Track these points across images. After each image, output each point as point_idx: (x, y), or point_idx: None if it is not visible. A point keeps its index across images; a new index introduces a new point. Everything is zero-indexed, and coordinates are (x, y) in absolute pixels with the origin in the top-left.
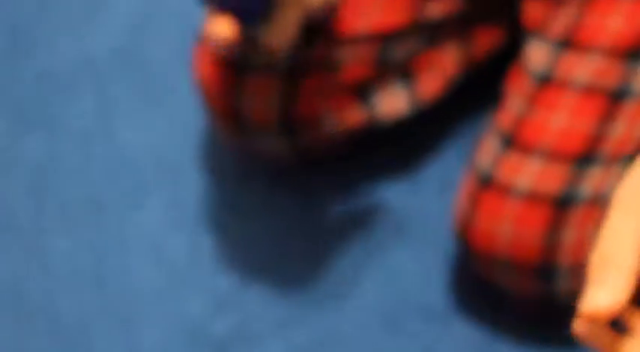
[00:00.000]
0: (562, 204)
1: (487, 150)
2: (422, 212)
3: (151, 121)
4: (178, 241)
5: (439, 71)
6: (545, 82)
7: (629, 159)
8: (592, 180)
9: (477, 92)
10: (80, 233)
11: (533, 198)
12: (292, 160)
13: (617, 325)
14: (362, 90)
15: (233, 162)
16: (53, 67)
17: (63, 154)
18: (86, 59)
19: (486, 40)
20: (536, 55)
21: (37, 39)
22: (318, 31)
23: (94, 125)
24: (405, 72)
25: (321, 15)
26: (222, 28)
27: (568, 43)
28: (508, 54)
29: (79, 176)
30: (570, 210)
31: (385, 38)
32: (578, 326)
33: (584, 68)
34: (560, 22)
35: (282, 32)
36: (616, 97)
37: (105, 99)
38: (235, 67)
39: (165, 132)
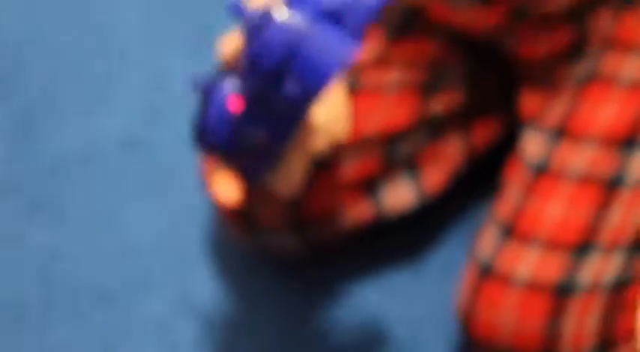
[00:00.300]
0: (562, 293)
1: (487, 239)
2: (424, 299)
3: (159, 209)
4: (185, 330)
5: (444, 163)
6: (541, 171)
7: (627, 246)
8: (591, 269)
9: (479, 179)
10: (87, 321)
11: (533, 287)
12: (301, 255)
13: None
14: (369, 185)
15: (240, 252)
16: (61, 154)
17: (70, 242)
18: (94, 146)
19: (487, 130)
20: (532, 145)
21: (46, 126)
22: (324, 166)
23: (101, 212)
24: (410, 165)
25: (327, 154)
26: (227, 186)
27: (562, 133)
28: (508, 144)
29: (86, 264)
30: (570, 298)
31: (392, 137)
32: None
33: (579, 157)
34: (555, 112)
35: (289, 180)
36: (612, 186)
37: (113, 187)
38: None
39: (173, 220)
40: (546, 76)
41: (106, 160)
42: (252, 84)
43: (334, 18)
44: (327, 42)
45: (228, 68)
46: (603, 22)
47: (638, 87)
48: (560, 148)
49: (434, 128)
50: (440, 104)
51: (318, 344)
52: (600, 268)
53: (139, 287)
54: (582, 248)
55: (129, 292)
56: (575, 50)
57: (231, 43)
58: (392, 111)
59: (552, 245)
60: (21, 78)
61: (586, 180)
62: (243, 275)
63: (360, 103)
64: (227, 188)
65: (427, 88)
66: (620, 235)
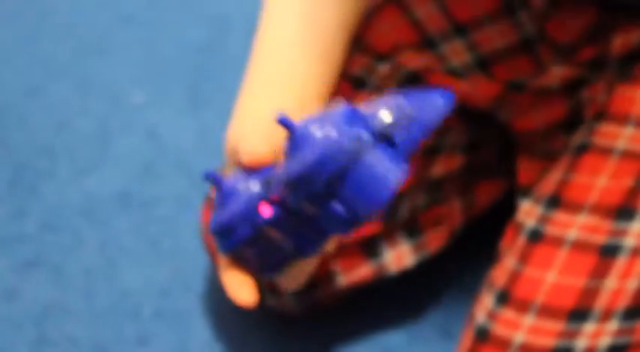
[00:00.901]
0: None
1: (483, 305)
2: None
3: (155, 266)
4: None
5: (444, 225)
6: (537, 238)
7: (623, 312)
8: (586, 335)
9: (477, 240)
10: None
11: None
12: (300, 314)
13: None
14: (369, 246)
15: (238, 310)
16: (58, 208)
17: (67, 297)
18: (91, 201)
19: (488, 193)
20: (528, 211)
21: (42, 180)
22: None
23: (97, 268)
24: (411, 226)
25: (333, 254)
26: (237, 280)
27: (558, 201)
28: (507, 207)
29: (82, 318)
30: None
31: (392, 198)
32: None
33: (574, 225)
34: (551, 180)
35: (297, 278)
36: (607, 253)
37: (109, 244)
38: None
39: (170, 276)
40: (542, 145)
41: (100, 217)
42: (293, 200)
43: (386, 138)
44: (378, 165)
45: (244, 168)
46: (598, 95)
47: (631, 157)
48: (555, 215)
49: (434, 190)
50: (440, 167)
51: None
52: (596, 334)
53: (134, 343)
54: (578, 314)
55: (125, 348)
56: (571, 121)
57: (251, 145)
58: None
59: (548, 311)
60: (18, 132)
61: (581, 247)
62: (241, 335)
63: None
64: (242, 289)
65: (428, 152)
66: (615, 301)
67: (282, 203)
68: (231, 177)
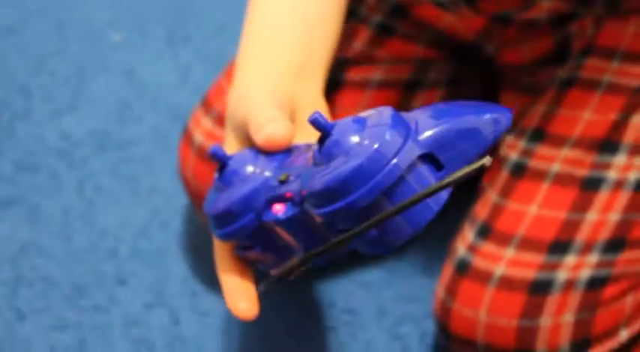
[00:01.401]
0: (538, 291)
1: (464, 239)
2: (403, 294)
3: (132, 206)
4: (158, 326)
5: None
6: (520, 172)
7: (604, 245)
8: (567, 267)
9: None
10: (59, 317)
11: (509, 284)
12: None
13: None
14: None
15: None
16: (34, 150)
17: (43, 237)
18: (69, 142)
19: None
20: (511, 145)
21: (19, 122)
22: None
23: (74, 208)
24: None
25: None
26: (237, 289)
27: (542, 134)
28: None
29: (58, 259)
30: (546, 296)
31: None
32: None
33: (557, 158)
34: (535, 113)
35: (293, 271)
36: (589, 186)
37: (86, 184)
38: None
39: (147, 216)
40: (527, 79)
41: (79, 155)
42: (320, 212)
43: (431, 157)
44: (422, 189)
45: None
46: (586, 29)
47: (617, 91)
48: (539, 149)
49: None
50: (421, 101)
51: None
52: (577, 266)
53: (112, 282)
54: (558, 246)
55: (102, 287)
56: (557, 56)
57: (267, 124)
58: (371, 106)
59: (529, 243)
60: None
61: (563, 180)
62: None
63: (343, 98)
64: (242, 300)
65: (409, 86)
66: (596, 234)
67: (300, 203)
68: (237, 156)
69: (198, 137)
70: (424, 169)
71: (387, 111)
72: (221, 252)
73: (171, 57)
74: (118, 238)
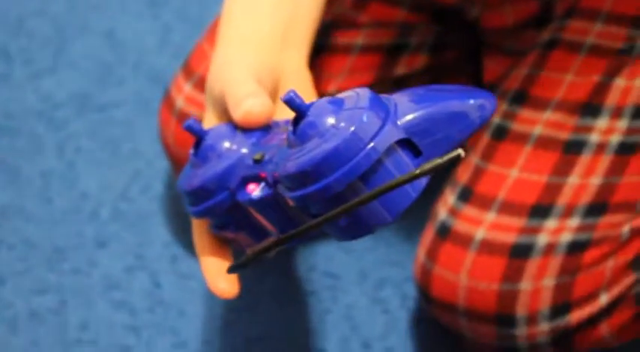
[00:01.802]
0: (518, 255)
1: (445, 202)
2: (385, 259)
3: (113, 169)
4: (138, 289)
5: None
6: (501, 135)
7: (585, 209)
8: (548, 231)
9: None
10: (40, 280)
11: (489, 248)
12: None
13: None
14: None
15: None
16: (13, 112)
17: (24, 200)
18: (47, 105)
19: None
20: None
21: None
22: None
23: (54, 171)
24: None
25: None
26: (216, 267)
27: (524, 96)
28: None
29: (39, 222)
30: (526, 260)
31: None
32: None
33: (538, 121)
34: (518, 75)
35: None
36: (571, 149)
37: (66, 147)
38: None
39: (128, 180)
40: (510, 43)
41: (60, 118)
42: (290, 195)
43: (410, 143)
44: (399, 175)
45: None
46: None
47: (599, 53)
48: (520, 112)
49: (395, 84)
50: (403, 66)
51: (284, 289)
52: (557, 230)
53: (93, 245)
54: (540, 210)
55: (83, 250)
56: (541, 18)
57: (244, 100)
58: (355, 71)
59: (510, 207)
60: None
61: (545, 143)
62: None
63: (326, 63)
64: (221, 279)
65: (392, 50)
66: (578, 198)
67: (274, 185)
68: (214, 131)
69: (180, 102)
70: (403, 154)
71: (365, 93)
72: (199, 230)
73: (151, 18)
74: (99, 201)
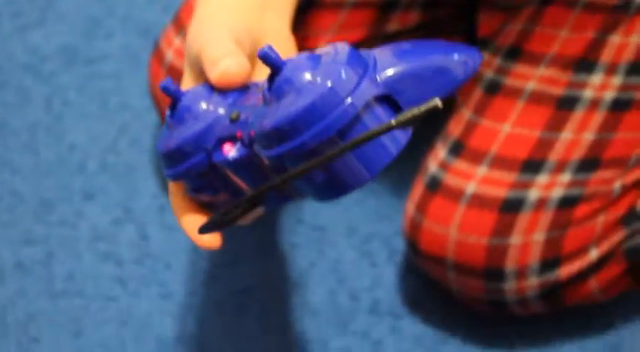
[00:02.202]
0: (509, 209)
1: (436, 156)
2: (373, 212)
3: (101, 122)
4: (126, 241)
5: None
6: (494, 89)
7: (577, 165)
8: (539, 186)
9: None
10: (27, 232)
11: (480, 202)
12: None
13: None
14: None
15: None
16: (1, 65)
17: (11, 152)
18: (34, 58)
19: None
20: (487, 62)
21: None
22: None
23: (42, 123)
24: None
25: None
26: (196, 223)
27: (517, 52)
28: None
29: (28, 174)
30: (517, 214)
31: None
32: None
33: (532, 77)
34: (512, 30)
35: (252, 216)
36: (564, 105)
37: (54, 100)
38: None
39: (116, 132)
40: None
41: (47, 70)
42: (266, 154)
43: (389, 98)
44: (373, 140)
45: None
46: None
47: (594, 8)
48: (514, 67)
49: (386, 40)
50: (396, 23)
51: (267, 248)
52: (549, 185)
53: (80, 198)
54: (531, 165)
55: (70, 202)
56: None
57: (220, 60)
58: (345, 28)
59: (501, 161)
60: None
61: (538, 98)
62: None
63: (316, 20)
64: (204, 235)
65: (384, 7)
66: (570, 153)
67: (250, 145)
68: (191, 92)
69: (169, 55)
70: (382, 111)
71: (343, 48)
72: (176, 192)
73: None
74: (87, 153)
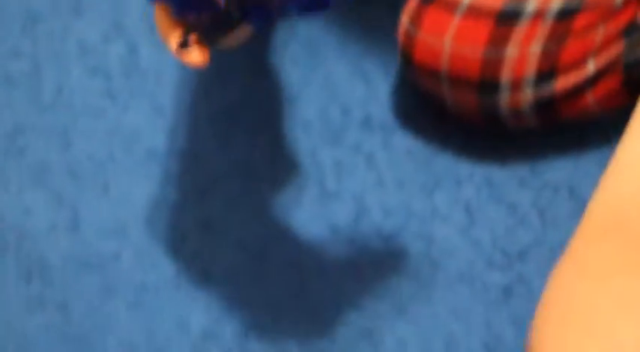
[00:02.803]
0: (505, 20)
1: None
2: (367, 25)
3: None
4: (114, 57)
5: None
6: None
7: None
8: None
9: None
10: (14, 43)
11: (476, 12)
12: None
13: None
14: None
15: None
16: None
17: None
18: None
19: None
20: None
21: None
22: None
23: None
24: None
25: None
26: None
27: None
28: None
29: None
30: (513, 25)
31: None
32: None
33: None
34: None
35: (239, 40)
36: None
37: None
38: None
39: None
40: None
41: None
42: None
43: None
44: None
45: None
46: None
47: None
48: None
49: None
50: None
51: (255, 70)
52: None
53: (68, 13)
54: None
55: (58, 17)
56: None
57: None
58: None
59: None
60: None
61: None
62: None
63: None
64: (192, 50)
65: None
66: None
67: None
68: None
69: None
70: None
71: None
72: (161, 14)
73: None
74: None
